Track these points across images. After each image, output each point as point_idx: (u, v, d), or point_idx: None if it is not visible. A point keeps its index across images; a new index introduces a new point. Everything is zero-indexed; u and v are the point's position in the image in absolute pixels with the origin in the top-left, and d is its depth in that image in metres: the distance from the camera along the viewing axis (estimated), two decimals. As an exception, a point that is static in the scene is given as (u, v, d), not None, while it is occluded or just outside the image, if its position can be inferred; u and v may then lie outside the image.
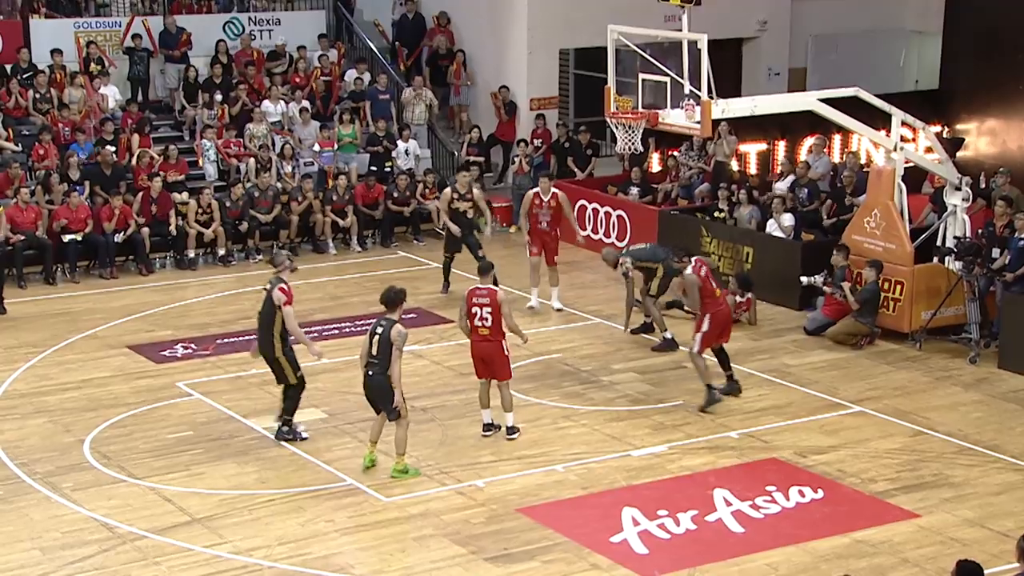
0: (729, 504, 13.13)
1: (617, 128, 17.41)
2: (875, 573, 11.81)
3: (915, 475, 13.87)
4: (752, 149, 23.90)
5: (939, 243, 18.50)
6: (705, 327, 15.39)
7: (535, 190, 19.76)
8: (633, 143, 17.36)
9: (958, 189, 18.42)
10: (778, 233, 19.98)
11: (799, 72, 28.04)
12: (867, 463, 14.15)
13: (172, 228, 21.63)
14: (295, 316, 14.35)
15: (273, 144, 23.69)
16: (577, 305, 19.67)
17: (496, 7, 26.17)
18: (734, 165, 23.12)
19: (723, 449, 14.52)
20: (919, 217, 19.71)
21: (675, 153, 23.55)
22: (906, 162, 18.57)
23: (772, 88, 26.61)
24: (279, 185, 22.90)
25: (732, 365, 16.01)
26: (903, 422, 15.30)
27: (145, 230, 21.40)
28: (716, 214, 21.16)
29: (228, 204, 22.06)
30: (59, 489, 13.42)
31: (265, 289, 14.38)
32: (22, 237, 20.55)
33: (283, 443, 14.51)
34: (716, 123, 19.09)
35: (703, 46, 16.32)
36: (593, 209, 22.79)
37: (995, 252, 17.80)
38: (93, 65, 24.10)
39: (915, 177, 20.34)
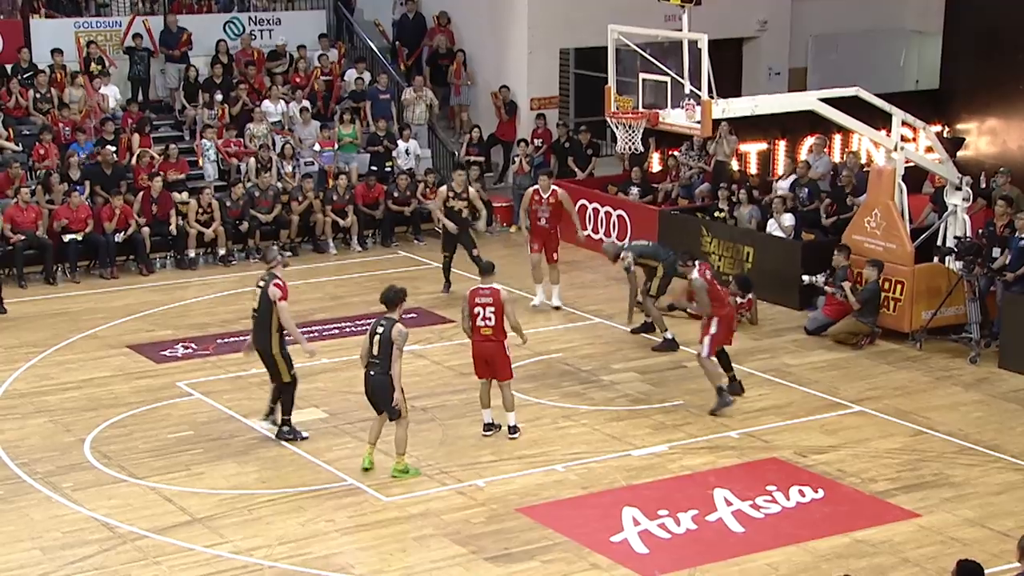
0: (729, 504, 13.12)
1: (617, 128, 17.41)
2: (875, 573, 11.81)
3: (915, 475, 13.87)
4: (752, 149, 23.91)
5: (939, 243, 18.50)
6: (713, 330, 15.35)
7: (534, 187, 19.82)
8: (633, 143, 17.36)
9: (958, 189, 18.42)
10: (778, 233, 19.99)
11: (799, 72, 28.04)
12: (867, 463, 14.15)
13: (172, 228, 21.63)
14: (290, 312, 14.33)
15: (273, 144, 23.69)
16: (577, 305, 19.67)
17: (496, 7, 26.17)
18: (734, 165, 23.13)
19: (723, 449, 14.52)
20: (919, 217, 19.71)
21: (675, 153, 23.55)
22: (906, 162, 18.57)
23: (772, 88, 26.60)
24: (279, 185, 22.91)
25: (733, 365, 16.00)
26: (903, 422, 15.30)
27: (145, 230, 21.40)
28: (716, 214, 21.16)
29: (228, 204, 22.07)
30: (59, 489, 13.43)
31: (259, 286, 14.35)
32: (22, 237, 20.57)
33: (284, 443, 14.50)
34: (716, 123, 19.08)
35: (703, 46, 16.32)
36: (593, 209, 22.79)
37: (995, 252, 17.80)
38: (93, 65, 24.09)
39: (916, 177, 20.34)
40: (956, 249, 17.70)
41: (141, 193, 21.76)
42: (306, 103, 24.52)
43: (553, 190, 19.55)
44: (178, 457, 14.22)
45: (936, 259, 18.27)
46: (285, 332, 14.29)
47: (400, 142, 24.46)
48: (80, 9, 25.73)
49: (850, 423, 15.31)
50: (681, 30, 17.11)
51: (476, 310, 14.38)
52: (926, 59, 27.51)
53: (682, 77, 16.70)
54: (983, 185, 20.66)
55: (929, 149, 20.05)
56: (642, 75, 17.13)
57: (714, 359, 15.54)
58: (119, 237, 21.24)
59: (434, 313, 19.15)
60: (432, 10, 27.22)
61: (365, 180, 23.30)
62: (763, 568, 11.94)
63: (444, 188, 20.22)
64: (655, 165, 24.24)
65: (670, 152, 23.71)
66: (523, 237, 20.60)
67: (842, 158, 22.66)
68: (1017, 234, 17.61)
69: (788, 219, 20.01)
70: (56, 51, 23.94)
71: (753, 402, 15.66)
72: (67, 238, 20.91)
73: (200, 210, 21.81)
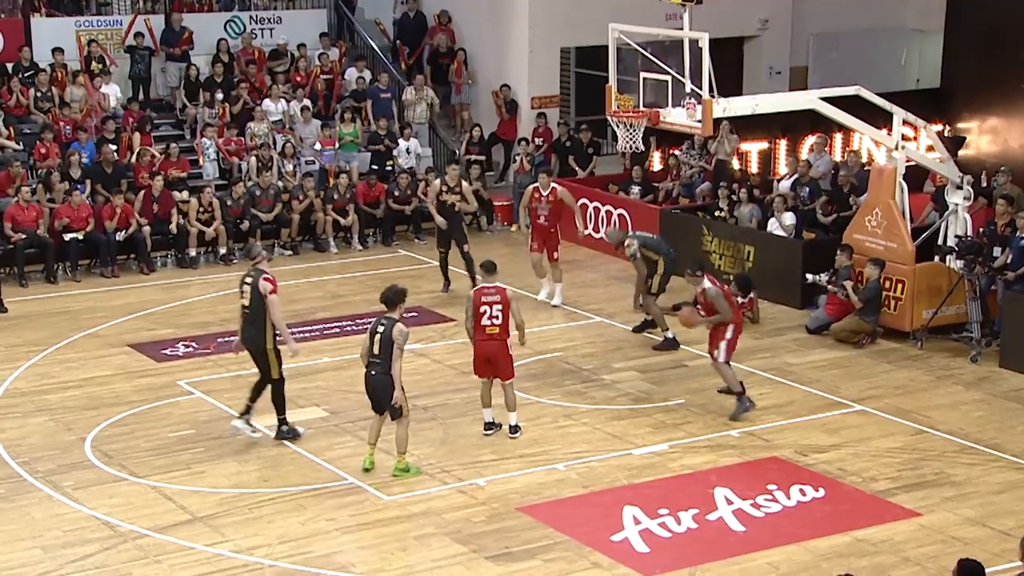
0: (730, 503, 13.13)
1: (618, 127, 17.41)
2: (876, 572, 11.81)
3: (916, 474, 13.87)
4: (753, 148, 23.90)
5: (940, 242, 18.50)
6: (729, 335, 15.28)
7: (534, 185, 19.87)
8: (634, 142, 17.36)
9: (959, 188, 18.42)
10: (779, 232, 19.99)
11: (800, 71, 28.03)
12: (868, 462, 14.15)
13: (173, 227, 21.64)
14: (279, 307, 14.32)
15: (274, 143, 23.70)
16: (578, 303, 19.67)
17: (497, 5, 26.17)
18: (735, 164, 23.13)
19: (724, 448, 14.52)
20: (920, 216, 19.72)
21: (676, 152, 23.55)
22: (907, 161, 18.58)
23: (773, 87, 26.61)
24: (280, 184, 22.91)
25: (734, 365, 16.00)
26: (904, 421, 15.30)
27: (146, 229, 21.41)
28: (716, 213, 21.16)
29: (229, 203, 22.07)
30: (60, 488, 13.43)
31: (246, 283, 14.27)
32: (23, 236, 20.57)
33: (285, 442, 14.50)
34: (717, 122, 19.07)
35: (704, 45, 16.31)
36: (594, 208, 22.78)
37: (996, 251, 17.80)
38: (94, 64, 24.10)
39: (917, 176, 20.35)
40: (957, 248, 17.70)
41: (142, 192, 21.77)
42: (307, 102, 24.52)
43: (553, 188, 19.57)
44: (179, 456, 14.22)
45: (937, 258, 18.28)
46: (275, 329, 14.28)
47: (401, 141, 24.46)
48: (81, 8, 25.72)
49: (851, 422, 15.31)
50: (682, 29, 17.11)
51: (482, 309, 14.37)
52: (927, 58, 27.50)
53: (683, 76, 16.71)
54: (984, 184, 20.67)
55: (930, 148, 20.06)
56: (643, 74, 17.13)
57: (738, 366, 15.51)
58: (120, 236, 21.24)
59: (435, 312, 19.15)
60: (433, 9, 27.22)
61: (366, 179, 23.30)
62: (764, 567, 11.94)
63: (437, 182, 20.25)
64: (656, 164, 24.24)
65: (671, 151, 23.71)
66: (523, 236, 20.58)
67: (843, 157, 22.66)
68: (1018, 233, 17.61)
69: (789, 218, 20.01)
70: (57, 50, 23.94)
71: (754, 401, 15.64)
72: (68, 237, 20.91)
73: (201, 209, 21.81)
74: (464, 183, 20.31)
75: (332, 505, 13.08)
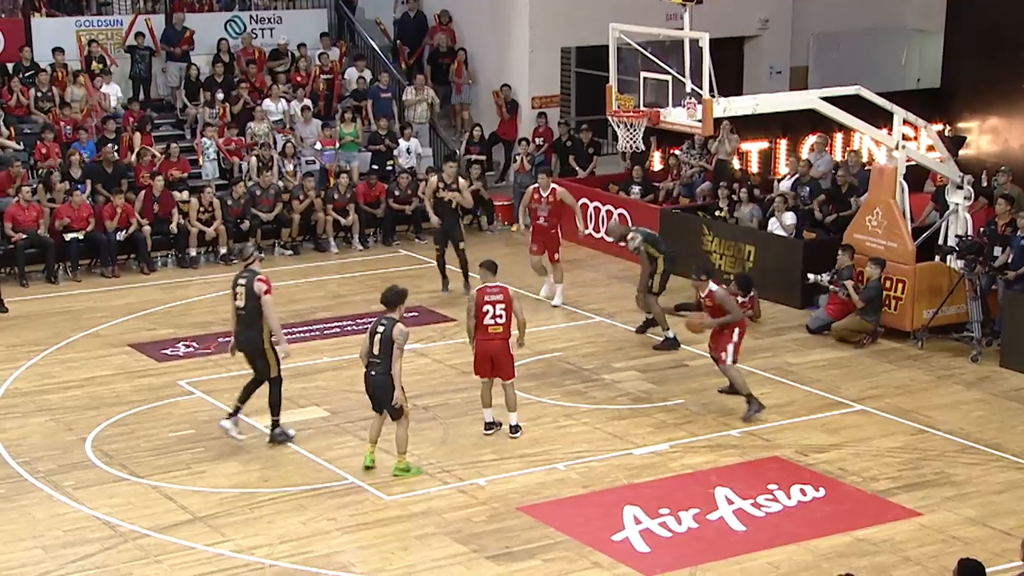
0: (731, 502, 13.13)
1: (619, 126, 17.41)
2: (877, 572, 11.81)
3: (917, 474, 13.87)
4: (754, 148, 23.90)
5: (941, 242, 18.51)
6: (735, 338, 15.30)
7: (534, 185, 19.88)
8: (635, 141, 17.36)
9: (960, 187, 18.42)
10: (780, 232, 19.99)
11: (801, 70, 28.03)
12: (869, 461, 14.15)
13: (174, 226, 21.64)
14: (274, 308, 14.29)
15: (275, 143, 23.71)
16: (579, 303, 19.67)
17: (498, 5, 26.17)
18: (736, 164, 23.13)
19: (725, 447, 14.52)
20: (921, 216, 19.72)
21: (677, 152, 23.55)
22: (908, 160, 18.58)
23: (774, 86, 26.61)
24: (281, 184, 22.91)
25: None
26: (905, 420, 15.30)
27: (147, 228, 21.42)
28: (717, 213, 21.17)
29: (230, 202, 22.08)
30: (61, 487, 13.43)
31: (240, 284, 14.20)
32: (24, 236, 20.57)
33: (287, 443, 14.49)
34: (718, 121, 19.06)
35: (705, 44, 16.31)
36: (595, 207, 22.79)
37: (997, 250, 17.80)
38: (95, 63, 24.10)
39: (917, 175, 20.35)
40: (957, 248, 17.70)
41: (143, 192, 21.77)
42: (307, 102, 24.52)
43: (553, 188, 19.57)
44: (179, 456, 14.22)
45: (937, 258, 18.29)
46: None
47: (401, 141, 24.47)
48: (81, 8, 25.74)
49: (851, 422, 15.31)
50: (682, 29, 17.11)
51: (485, 308, 14.36)
52: (927, 58, 27.51)
53: (683, 76, 16.71)
54: (984, 184, 20.68)
55: (931, 148, 20.05)
56: (643, 74, 17.13)
57: (739, 367, 15.50)
58: (120, 236, 21.24)
59: (435, 312, 19.15)
60: (433, 8, 27.22)
61: (366, 179, 23.30)
62: (764, 567, 11.94)
63: (434, 179, 20.26)
64: (656, 164, 24.24)
65: (671, 151, 23.71)
66: (524, 236, 20.59)
67: (843, 157, 22.66)
68: (1018, 233, 17.61)
69: (789, 218, 20.01)
70: (57, 50, 23.94)
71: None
72: (68, 237, 20.91)
73: (201, 209, 21.81)
74: (461, 180, 20.32)
75: (332, 505, 13.08)
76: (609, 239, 20.67)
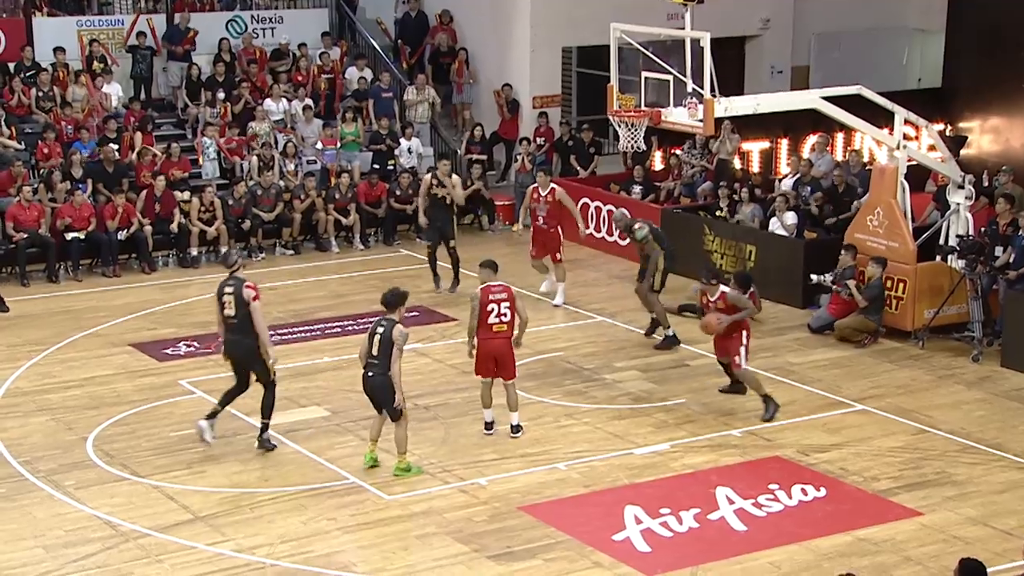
0: (732, 502, 13.12)
1: (620, 126, 17.41)
2: (877, 571, 11.80)
3: (918, 473, 13.86)
4: (755, 147, 23.89)
5: (942, 241, 18.51)
6: (744, 340, 15.30)
7: (534, 185, 19.90)
8: (636, 141, 17.36)
9: (961, 187, 18.42)
10: (781, 231, 19.98)
11: (802, 70, 28.02)
12: (870, 461, 14.15)
13: (175, 226, 21.64)
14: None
15: (276, 142, 23.71)
16: (579, 303, 19.67)
17: (499, 5, 26.17)
18: (737, 163, 23.12)
19: (726, 447, 14.52)
20: (922, 215, 19.72)
21: (678, 151, 23.54)
22: (909, 160, 18.58)
23: (775, 86, 26.61)
24: (282, 183, 22.92)
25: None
26: (906, 420, 15.30)
27: (148, 228, 21.42)
28: (718, 213, 21.17)
29: (231, 202, 22.08)
30: (62, 487, 13.44)
31: (227, 294, 14.02)
32: (25, 235, 20.58)
33: (286, 442, 14.49)
34: (719, 121, 19.06)
35: (706, 44, 16.31)
36: (596, 207, 22.79)
37: (998, 250, 17.80)
38: (96, 63, 24.11)
39: (918, 175, 20.34)
40: (958, 247, 17.70)
41: (144, 192, 21.77)
42: (308, 101, 24.53)
43: (552, 188, 19.58)
44: (180, 455, 14.22)
45: (938, 257, 18.30)
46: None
47: (402, 140, 24.47)
48: (82, 7, 25.75)
49: (852, 421, 15.30)
50: (683, 28, 17.11)
51: (490, 307, 14.36)
52: (928, 57, 27.50)
53: (684, 75, 16.70)
54: (986, 183, 20.67)
55: (932, 147, 20.03)
56: (644, 73, 17.13)
57: (751, 368, 15.49)
58: (122, 235, 21.25)
59: (436, 311, 19.15)
60: (434, 8, 27.22)
61: (367, 178, 23.31)
62: (765, 567, 11.94)
63: (428, 176, 20.25)
64: (657, 163, 24.24)
65: (672, 151, 23.71)
66: (525, 236, 20.59)
67: (844, 157, 22.66)
68: (1020, 232, 17.61)
69: (790, 217, 20.00)
70: (59, 49, 23.95)
71: (755, 400, 15.62)
72: (70, 236, 20.92)
73: (202, 208, 21.82)
74: (454, 176, 20.30)
75: (333, 504, 13.08)
76: (616, 228, 20.62)
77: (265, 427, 14.33)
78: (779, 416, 15.32)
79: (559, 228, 19.58)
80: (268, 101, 24.29)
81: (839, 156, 23.20)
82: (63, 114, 23.11)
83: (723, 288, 15.30)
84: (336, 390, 16.02)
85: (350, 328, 18.37)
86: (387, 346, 13.26)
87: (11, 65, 23.88)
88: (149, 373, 16.84)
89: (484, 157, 25.01)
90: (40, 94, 23.42)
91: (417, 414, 14.62)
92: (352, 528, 12.66)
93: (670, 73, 16.79)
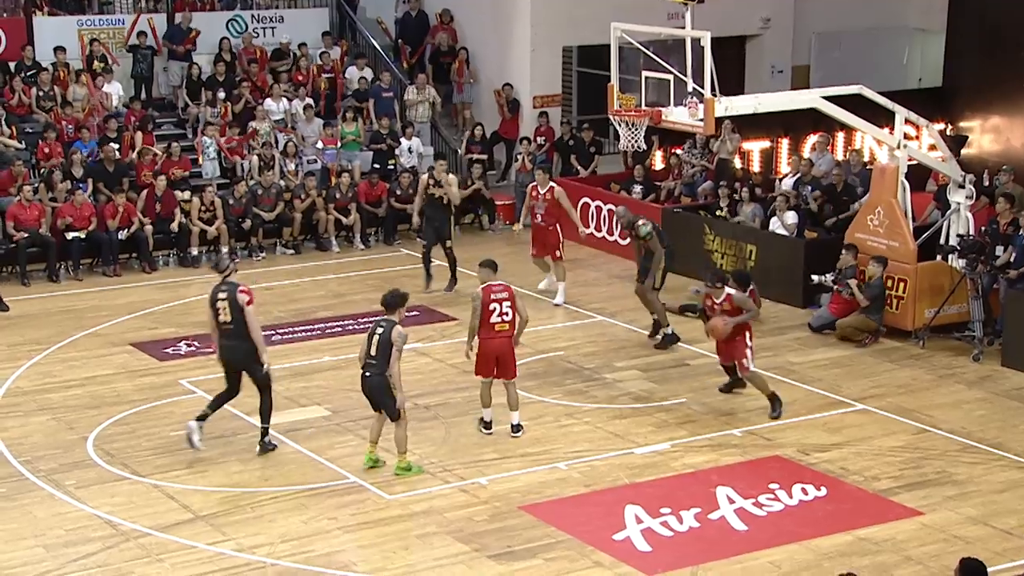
0: (732, 502, 13.12)
1: (620, 126, 17.41)
2: (878, 571, 11.80)
3: (918, 473, 13.86)
4: (755, 147, 23.89)
5: (942, 241, 18.50)
6: (749, 342, 15.28)
7: (532, 183, 19.91)
8: (636, 141, 17.36)
9: (961, 187, 18.42)
10: (781, 231, 19.98)
11: (802, 69, 28.02)
12: (870, 461, 14.15)
13: (175, 226, 21.64)
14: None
15: (276, 142, 23.71)
16: (580, 302, 19.67)
17: (499, 4, 26.17)
18: (737, 163, 23.12)
19: (726, 447, 14.52)
20: (922, 215, 19.72)
21: (678, 151, 23.54)
22: (909, 160, 18.57)
23: (775, 86, 26.60)
24: (282, 183, 22.93)
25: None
26: (906, 420, 15.30)
27: (148, 227, 21.42)
28: (718, 213, 21.17)
29: (231, 202, 22.08)
30: (62, 486, 13.44)
31: (221, 300, 13.91)
32: (26, 234, 20.59)
33: (287, 441, 14.49)
34: (719, 121, 19.06)
35: (706, 43, 16.30)
36: (596, 207, 22.79)
37: (998, 250, 17.80)
38: (96, 63, 24.11)
39: (919, 175, 20.34)
40: (959, 247, 17.70)
41: (145, 191, 21.78)
42: (309, 100, 24.53)
43: (551, 186, 19.59)
44: (181, 455, 14.21)
45: (939, 257, 18.29)
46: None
47: (403, 140, 24.47)
48: (83, 7, 25.76)
49: (853, 421, 15.30)
50: (684, 28, 17.10)
51: (492, 307, 14.36)
52: (929, 57, 27.50)
53: (685, 75, 16.70)
54: (986, 183, 20.67)
55: (932, 147, 20.03)
56: (645, 73, 17.12)
57: (758, 369, 15.50)
58: (122, 235, 21.26)
59: (437, 311, 19.15)
60: (435, 8, 27.23)
61: (368, 178, 23.31)
62: (766, 566, 11.93)
63: (425, 176, 20.25)
64: (658, 163, 24.23)
65: (673, 150, 23.71)
66: (525, 235, 20.59)
67: (845, 156, 22.66)
68: (1021, 232, 17.60)
69: (791, 217, 20.00)
70: (59, 49, 23.96)
71: (756, 400, 15.63)
72: (70, 236, 20.93)
73: (203, 208, 21.83)
74: (451, 175, 20.30)
75: (334, 504, 13.08)
76: (618, 224, 20.61)
77: (265, 431, 14.30)
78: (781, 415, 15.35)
79: (558, 226, 19.58)
80: (268, 101, 24.29)
81: (840, 156, 23.19)
82: (64, 113, 23.11)
83: (728, 290, 15.27)
84: (336, 389, 16.02)
85: (350, 327, 18.37)
86: (385, 347, 13.25)
87: (12, 64, 23.88)
88: (149, 373, 16.84)
89: (484, 157, 25.02)
90: (41, 93, 23.43)
91: (417, 414, 14.62)
92: (353, 527, 12.66)
93: (671, 72, 16.79)
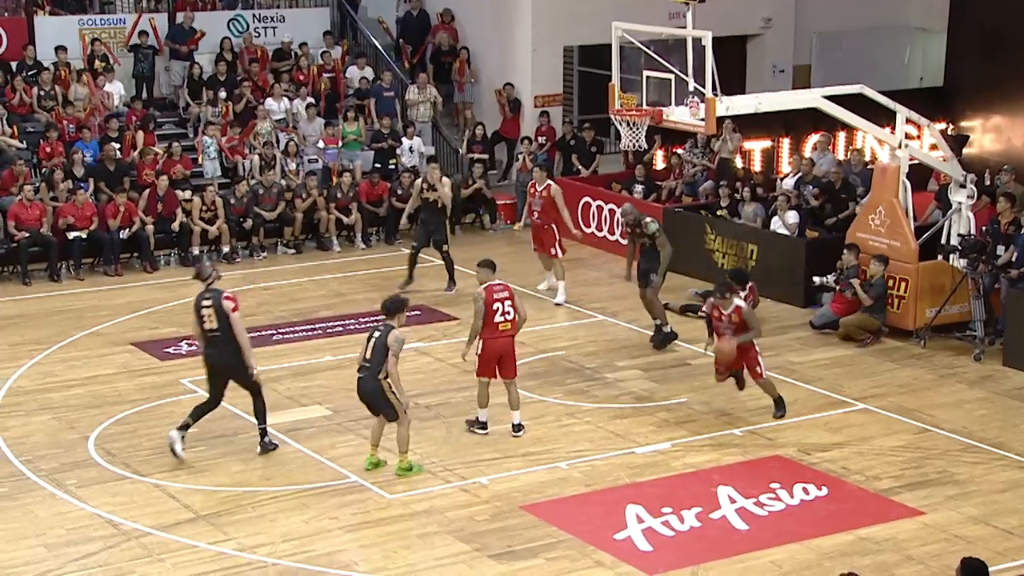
0: (733, 501, 13.12)
1: (621, 125, 17.40)
2: (879, 571, 11.80)
3: (919, 472, 13.86)
4: (756, 146, 23.89)
5: (944, 240, 18.49)
6: (758, 348, 15.23)
7: (532, 180, 19.93)
8: (637, 140, 17.35)
9: (963, 186, 18.42)
10: (783, 230, 19.98)
11: (803, 69, 28.02)
12: (871, 460, 14.15)
13: (176, 225, 21.64)
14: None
15: (277, 141, 23.71)
16: (581, 302, 19.66)
17: (500, 4, 26.16)
18: (738, 162, 23.12)
19: (727, 446, 14.52)
20: (924, 214, 19.72)
21: (679, 150, 23.54)
22: (911, 159, 18.57)
23: (776, 85, 26.59)
24: (283, 182, 22.93)
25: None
26: (907, 419, 15.30)
27: (150, 227, 21.43)
28: (719, 212, 21.17)
29: (232, 201, 22.09)
30: (64, 486, 13.44)
31: (206, 307, 13.84)
32: (27, 234, 20.59)
33: (288, 441, 14.49)
34: (720, 120, 19.06)
35: (707, 43, 16.30)
36: (597, 206, 22.79)
37: (1000, 249, 17.79)
38: (98, 62, 24.11)
39: (920, 174, 20.34)
40: (960, 247, 17.69)
41: (147, 191, 21.78)
42: (311, 100, 24.53)
43: (548, 184, 19.59)
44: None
45: (940, 257, 18.28)
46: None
47: (404, 139, 24.47)
48: (84, 7, 25.76)
49: (854, 421, 15.30)
50: (685, 27, 17.10)
51: (495, 306, 14.37)
52: (930, 56, 27.50)
53: (686, 74, 16.70)
54: (987, 182, 20.67)
55: (933, 147, 20.02)
56: (646, 72, 17.12)
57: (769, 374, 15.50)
58: (123, 234, 21.26)
59: (438, 311, 19.15)
60: (436, 7, 27.22)
61: (369, 177, 23.31)
62: (767, 566, 11.93)
63: (419, 181, 20.27)
64: (659, 162, 24.23)
65: (674, 149, 23.71)
66: (526, 234, 20.61)
67: (846, 156, 22.65)
68: (1021, 231, 17.60)
69: (792, 216, 20.00)
70: (60, 48, 23.96)
71: (757, 399, 15.63)
72: (72, 235, 20.93)
73: (204, 207, 21.83)
74: (444, 178, 20.30)
75: (335, 503, 13.08)
76: (623, 222, 20.60)
77: (264, 431, 14.30)
78: (781, 415, 15.37)
79: (553, 225, 19.56)
80: (269, 100, 24.29)
81: (841, 155, 23.19)
82: (65, 113, 23.11)
83: (737, 302, 15.11)
84: (337, 389, 16.02)
85: (351, 327, 18.37)
86: (381, 350, 13.24)
87: (13, 64, 23.88)
88: (150, 372, 16.84)
89: (485, 156, 25.02)
90: (42, 93, 23.43)
91: (419, 413, 14.62)
92: (354, 527, 12.66)
93: (672, 72, 16.79)
